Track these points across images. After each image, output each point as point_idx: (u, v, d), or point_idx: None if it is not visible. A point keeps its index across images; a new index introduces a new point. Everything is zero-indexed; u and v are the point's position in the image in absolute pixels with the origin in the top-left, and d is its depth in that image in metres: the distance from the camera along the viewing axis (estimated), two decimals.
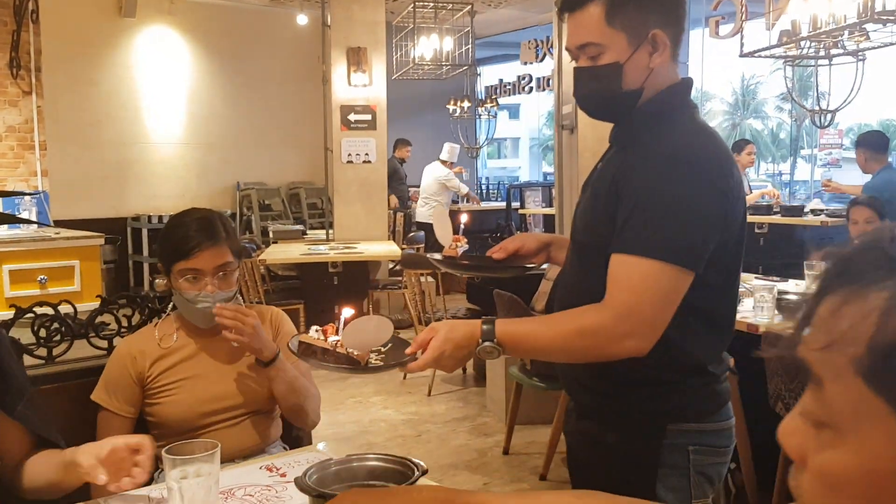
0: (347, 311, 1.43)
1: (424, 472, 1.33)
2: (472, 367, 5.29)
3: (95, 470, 1.28)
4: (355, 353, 1.40)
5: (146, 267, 8.14)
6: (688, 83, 1.47)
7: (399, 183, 8.85)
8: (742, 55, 4.76)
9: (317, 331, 1.49)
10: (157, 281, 7.72)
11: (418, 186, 8.93)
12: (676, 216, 1.31)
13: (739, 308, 2.20)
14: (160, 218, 7.95)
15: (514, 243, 1.67)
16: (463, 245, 1.71)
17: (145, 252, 8.07)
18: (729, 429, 1.47)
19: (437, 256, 1.73)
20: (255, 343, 1.79)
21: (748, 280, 3.45)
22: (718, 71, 27.35)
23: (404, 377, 5.17)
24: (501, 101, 9.88)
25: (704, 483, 1.43)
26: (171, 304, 1.94)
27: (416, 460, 1.38)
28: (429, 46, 6.82)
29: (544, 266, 1.74)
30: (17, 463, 1.47)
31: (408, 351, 1.38)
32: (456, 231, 1.74)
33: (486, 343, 1.34)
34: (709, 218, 1.32)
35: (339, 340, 1.40)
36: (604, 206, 1.40)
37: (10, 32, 6.85)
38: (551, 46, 6.18)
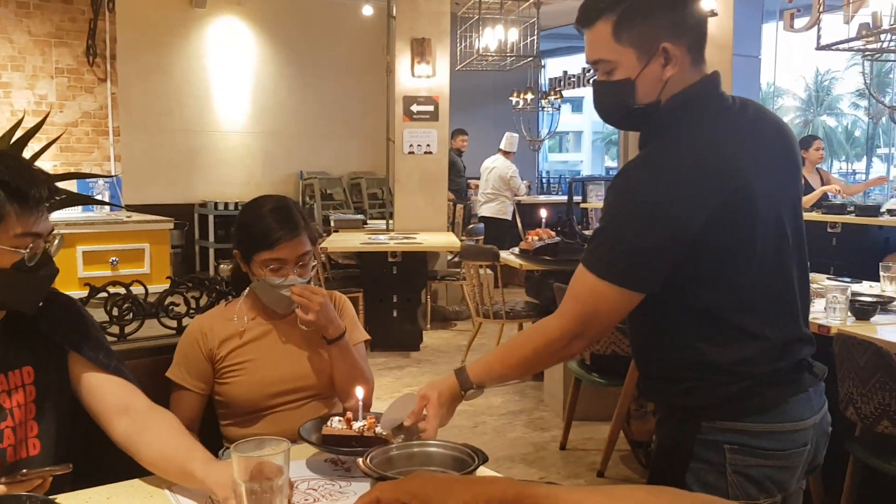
0: (360, 391, 1.58)
1: (484, 461, 1.32)
2: None
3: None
4: (384, 434, 1.49)
5: (212, 252, 8.34)
6: (704, 84, 1.42)
7: (457, 175, 8.77)
8: (819, 48, 4.60)
9: (340, 421, 1.55)
10: (221, 266, 7.90)
11: (477, 178, 8.90)
12: (621, 235, 1.36)
13: (812, 309, 2.13)
14: (226, 205, 8.13)
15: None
16: (549, 238, 1.83)
17: (211, 238, 8.27)
18: (783, 432, 1.41)
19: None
20: (322, 319, 1.84)
21: (819, 280, 3.34)
22: (791, 66, 26.58)
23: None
24: (565, 93, 9.75)
25: (748, 485, 1.40)
26: (243, 287, 1.99)
27: (477, 448, 1.38)
28: (493, 37, 6.78)
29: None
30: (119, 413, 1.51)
31: (407, 423, 1.50)
32: (538, 225, 1.83)
33: (469, 391, 1.51)
34: (663, 239, 1.34)
35: (364, 425, 1.50)
36: None
37: (87, 21, 7.08)
38: None
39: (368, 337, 2.08)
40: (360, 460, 1.33)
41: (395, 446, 1.40)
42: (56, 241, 1.46)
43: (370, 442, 1.46)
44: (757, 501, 1.41)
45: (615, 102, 1.45)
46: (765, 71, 12.47)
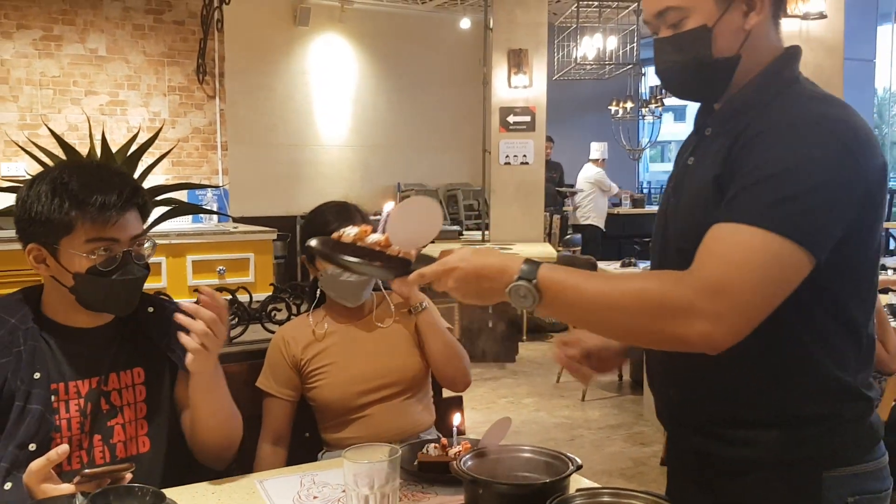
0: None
1: (579, 467, 1.29)
2: (628, 374, 5.14)
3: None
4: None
5: None
6: (794, 53, 1.22)
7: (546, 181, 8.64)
8: None
9: (435, 447, 1.51)
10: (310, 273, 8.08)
11: (572, 186, 8.80)
12: (804, 186, 1.04)
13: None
14: None
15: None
16: None
17: (299, 246, 8.47)
18: (885, 467, 1.20)
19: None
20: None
21: None
22: None
23: (557, 380, 5.09)
24: (666, 101, 9.52)
25: None
26: (317, 296, 2.02)
27: (571, 455, 1.34)
28: (591, 46, 6.71)
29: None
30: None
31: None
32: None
33: (521, 282, 1.07)
34: (843, 193, 1.06)
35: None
36: (708, 203, 1.14)
37: (197, 41, 7.42)
38: None
39: (450, 326, 2.09)
40: (452, 463, 1.32)
41: (488, 450, 1.38)
42: (147, 245, 1.51)
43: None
44: None
45: (686, 58, 1.18)
46: (880, 76, 11.82)
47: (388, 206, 1.22)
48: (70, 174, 1.44)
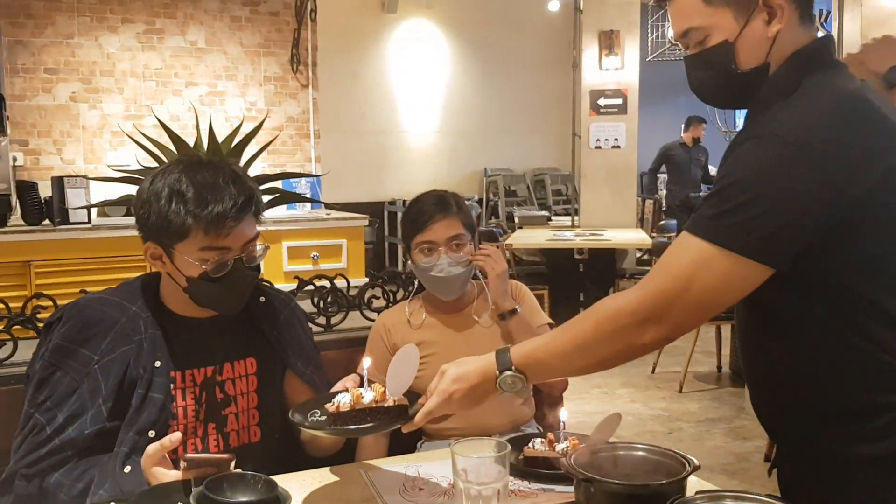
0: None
1: (697, 468, 1.23)
2: (728, 366, 4.98)
3: None
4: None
5: (400, 249, 8.63)
6: (820, 44, 1.21)
7: (676, 167, 8.09)
8: None
9: (542, 442, 1.48)
10: (409, 263, 8.15)
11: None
12: (756, 196, 1.08)
13: None
14: None
15: None
16: None
17: (399, 235, 8.54)
18: None
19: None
20: (499, 288, 1.88)
21: None
22: None
23: (653, 370, 4.98)
24: None
25: None
26: (417, 284, 2.02)
27: (688, 455, 1.29)
28: None
29: None
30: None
31: (420, 401, 1.30)
32: None
33: (506, 373, 1.23)
34: (802, 201, 1.07)
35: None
36: None
37: (291, 31, 7.57)
38: (824, 20, 5.62)
39: (550, 321, 2.04)
40: (563, 460, 1.29)
41: (600, 448, 1.33)
42: (259, 248, 1.51)
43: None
44: None
45: (713, 73, 1.23)
46: None
47: (366, 361, 1.40)
48: (187, 180, 1.43)
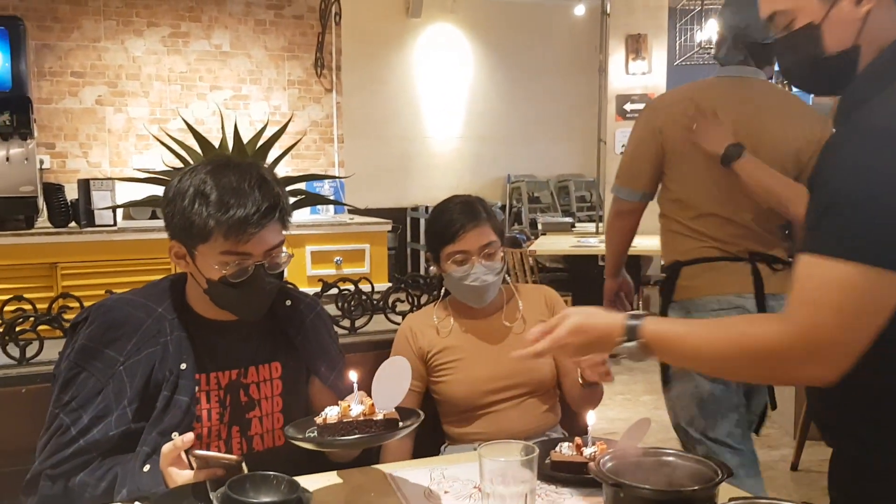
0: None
1: (730, 474, 1.21)
2: None
3: None
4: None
5: (422, 254, 8.63)
6: None
7: None
8: None
9: (569, 447, 1.47)
10: (431, 269, 8.14)
11: None
12: (886, 205, 0.99)
13: None
14: None
15: None
16: None
17: (422, 240, 8.55)
18: None
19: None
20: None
21: None
22: None
23: None
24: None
25: None
26: (444, 289, 1.99)
27: (721, 461, 1.26)
28: (716, 28, 6.41)
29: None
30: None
31: (532, 338, 1.25)
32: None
33: (632, 343, 1.18)
34: None
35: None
36: None
37: (315, 35, 7.59)
38: None
39: None
40: (592, 464, 1.26)
41: (629, 453, 1.31)
42: (283, 255, 1.48)
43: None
44: None
45: (799, 57, 1.19)
46: None
47: (353, 375, 1.39)
48: (212, 182, 1.40)
